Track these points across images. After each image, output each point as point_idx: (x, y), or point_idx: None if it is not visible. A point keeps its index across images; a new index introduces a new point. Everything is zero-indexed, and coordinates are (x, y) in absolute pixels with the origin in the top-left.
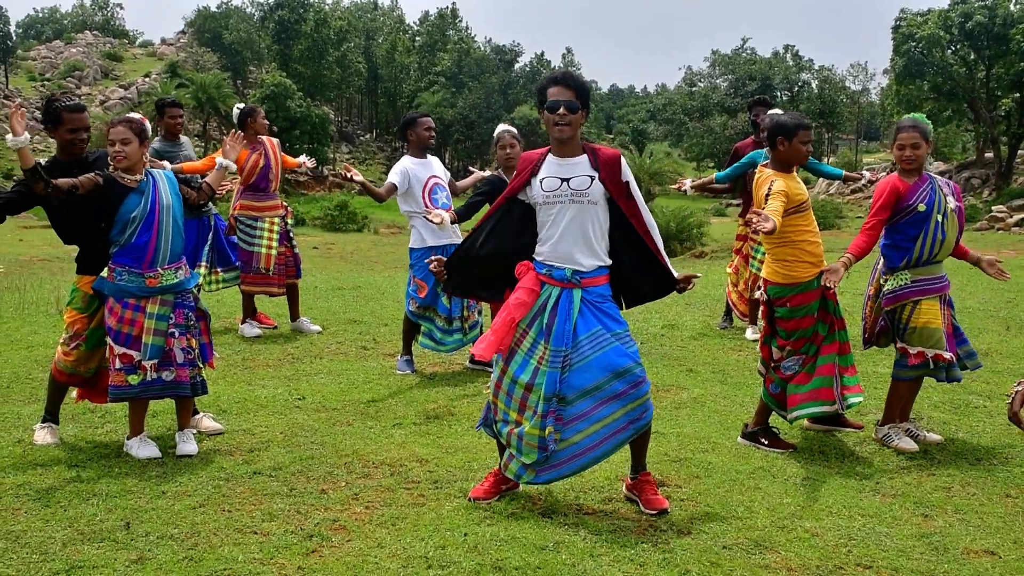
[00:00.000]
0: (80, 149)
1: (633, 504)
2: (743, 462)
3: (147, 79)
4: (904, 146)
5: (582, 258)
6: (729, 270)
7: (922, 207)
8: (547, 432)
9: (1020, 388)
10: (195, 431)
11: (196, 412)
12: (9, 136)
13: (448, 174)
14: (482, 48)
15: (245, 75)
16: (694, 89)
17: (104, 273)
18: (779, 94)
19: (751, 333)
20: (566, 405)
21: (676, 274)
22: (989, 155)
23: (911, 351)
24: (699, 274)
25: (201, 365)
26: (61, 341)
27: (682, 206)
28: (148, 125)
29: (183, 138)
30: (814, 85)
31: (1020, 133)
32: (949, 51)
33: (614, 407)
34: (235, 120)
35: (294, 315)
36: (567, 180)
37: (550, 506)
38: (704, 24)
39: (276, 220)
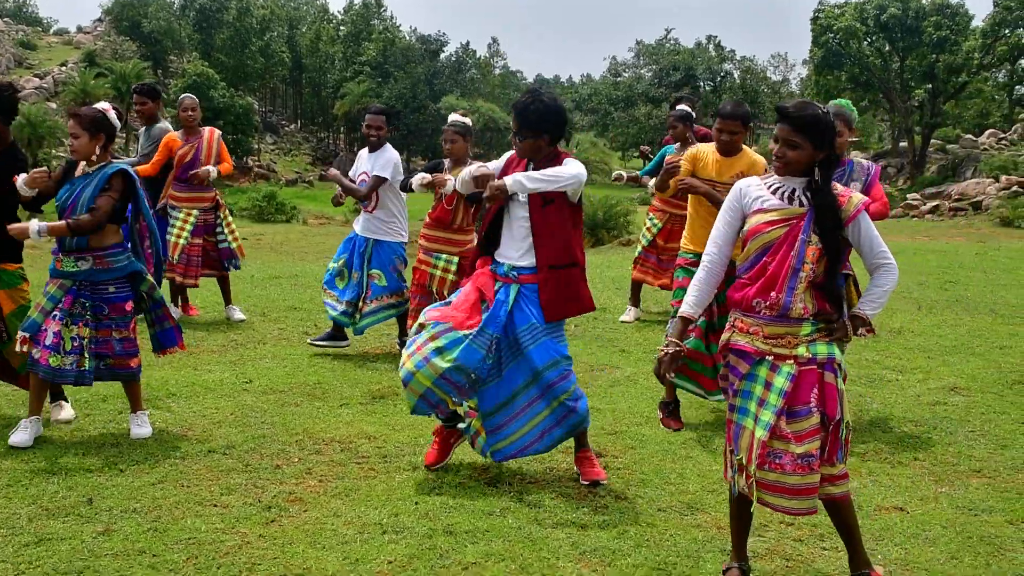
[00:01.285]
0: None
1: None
2: (675, 434)
3: (64, 68)
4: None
5: (519, 257)
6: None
7: None
8: (439, 392)
9: (667, 350)
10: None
11: (60, 398)
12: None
13: (382, 173)
14: (407, 38)
15: (166, 65)
16: (619, 79)
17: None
18: (702, 84)
19: (628, 316)
20: (508, 401)
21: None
22: (904, 144)
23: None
24: None
25: (87, 355)
26: None
27: (609, 195)
28: (111, 115)
29: (161, 124)
30: (736, 75)
31: (932, 123)
32: (865, 42)
33: (543, 405)
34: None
35: (227, 301)
36: None
37: (495, 476)
38: (628, 15)
39: (194, 212)
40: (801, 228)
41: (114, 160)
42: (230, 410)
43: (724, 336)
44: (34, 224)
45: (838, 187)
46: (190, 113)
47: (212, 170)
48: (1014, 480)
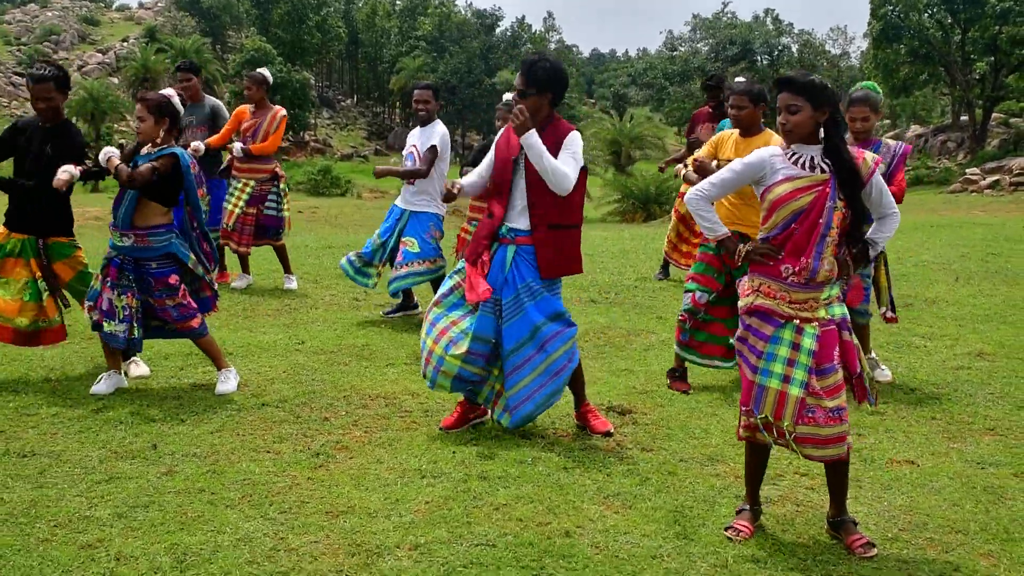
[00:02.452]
0: (46, 116)
1: (583, 431)
2: (703, 394)
3: (125, 44)
4: (855, 119)
5: (517, 218)
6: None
7: None
8: (471, 368)
9: (741, 248)
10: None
11: (130, 356)
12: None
13: (432, 142)
14: (463, 12)
15: (224, 40)
16: (675, 54)
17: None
18: (759, 58)
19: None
20: (506, 357)
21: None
22: (964, 118)
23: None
24: None
25: (135, 324)
26: None
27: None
28: (175, 100)
29: (208, 100)
30: (794, 49)
31: (994, 96)
32: (925, 15)
33: (537, 362)
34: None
35: (286, 268)
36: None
37: (527, 431)
38: None
39: (251, 182)
40: (827, 195)
41: (175, 144)
42: (283, 368)
43: (747, 299)
44: (107, 149)
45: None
46: (250, 91)
47: (199, 145)
48: None
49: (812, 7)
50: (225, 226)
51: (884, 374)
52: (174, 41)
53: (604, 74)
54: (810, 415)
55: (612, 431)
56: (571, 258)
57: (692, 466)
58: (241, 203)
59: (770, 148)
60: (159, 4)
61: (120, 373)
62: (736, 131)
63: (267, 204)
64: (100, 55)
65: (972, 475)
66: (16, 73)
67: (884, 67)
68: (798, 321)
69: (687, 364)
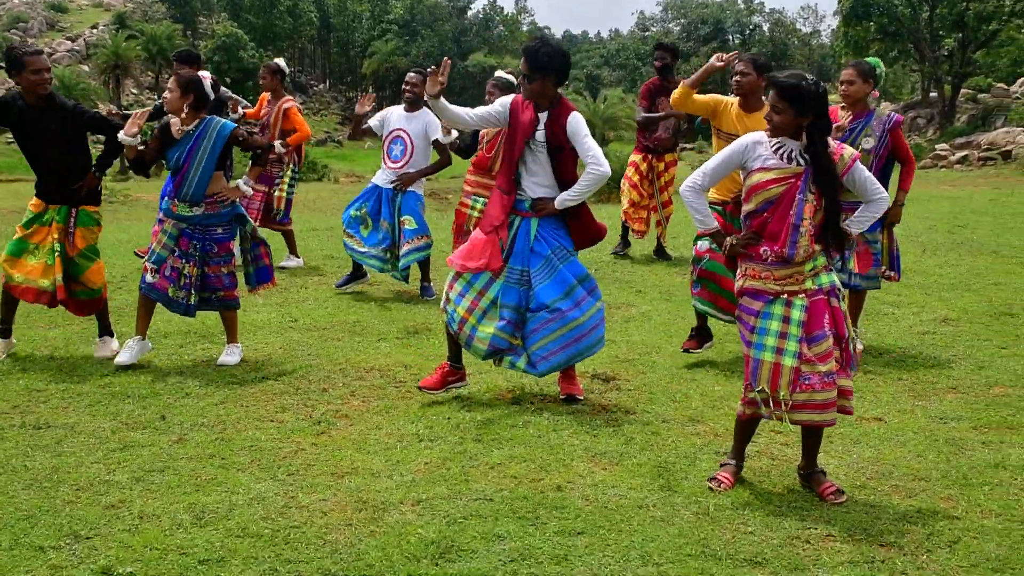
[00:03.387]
0: (44, 89)
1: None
2: (683, 360)
3: (95, 31)
4: (842, 82)
5: (540, 190)
6: (628, 187)
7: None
8: (504, 335)
9: (726, 241)
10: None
11: (108, 334)
12: (123, 133)
13: (428, 127)
14: None
15: (195, 26)
16: (647, 34)
17: None
18: (731, 37)
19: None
20: (535, 315)
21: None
22: (934, 95)
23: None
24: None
25: (193, 291)
26: None
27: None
28: (205, 82)
29: (284, 99)
30: (765, 28)
31: (962, 73)
32: None
33: (568, 319)
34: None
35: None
36: (537, 130)
37: (519, 396)
38: None
39: (273, 169)
40: (798, 187)
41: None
42: (279, 344)
43: (739, 283)
44: (242, 184)
45: (831, 144)
46: (263, 80)
47: (277, 144)
48: (986, 394)
49: None
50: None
51: (858, 344)
52: (145, 28)
53: (577, 55)
54: (806, 382)
55: (580, 399)
56: (597, 227)
57: (674, 427)
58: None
59: (755, 135)
60: None
61: (146, 339)
62: (736, 100)
63: (276, 184)
64: (69, 43)
65: (935, 429)
66: None
67: (854, 44)
68: (786, 295)
69: (708, 321)
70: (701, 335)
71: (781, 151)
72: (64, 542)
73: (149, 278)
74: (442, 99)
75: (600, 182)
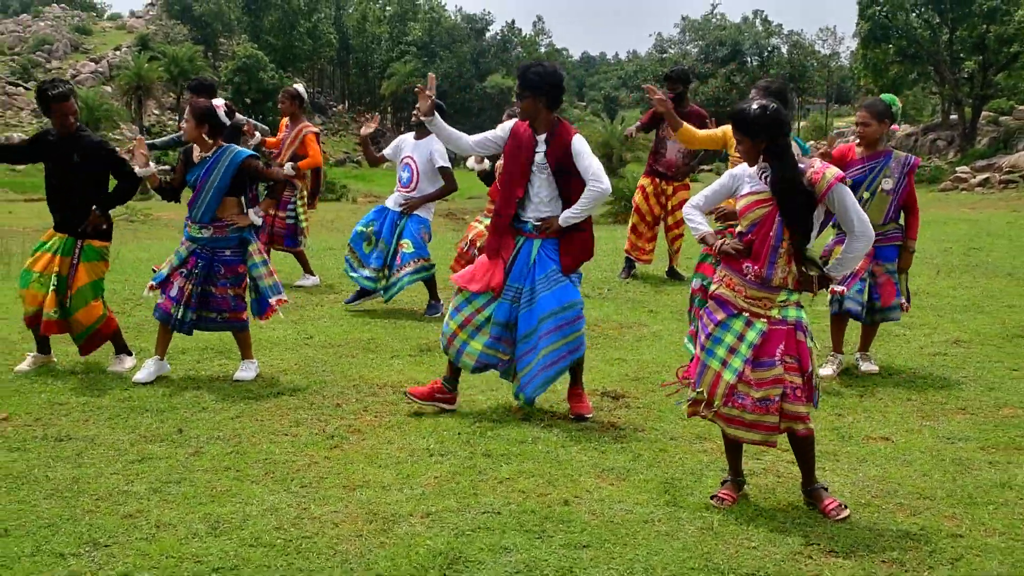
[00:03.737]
0: (70, 128)
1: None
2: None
3: (118, 52)
4: (857, 123)
5: (543, 211)
6: (636, 219)
7: (848, 181)
8: (493, 352)
9: (717, 242)
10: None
11: (125, 352)
12: (137, 168)
13: (433, 153)
14: (452, 17)
15: (216, 47)
16: (665, 56)
17: None
18: (749, 59)
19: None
20: (523, 338)
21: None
22: (954, 117)
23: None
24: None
25: (185, 309)
26: None
27: None
28: (218, 110)
29: (302, 122)
30: (784, 50)
31: (983, 95)
32: (913, 14)
33: (557, 336)
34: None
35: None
36: (536, 153)
37: (528, 413)
38: None
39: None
40: (779, 209)
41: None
42: (294, 361)
43: (714, 286)
44: (252, 215)
45: (815, 164)
46: (283, 104)
47: (288, 167)
48: (995, 415)
49: (801, 8)
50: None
51: (871, 367)
52: (166, 49)
53: (595, 77)
54: (739, 400)
55: (588, 417)
56: (589, 247)
57: (681, 444)
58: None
59: (744, 165)
60: (151, 13)
61: (163, 360)
62: None
63: (287, 212)
64: (93, 64)
65: (942, 449)
66: (10, 83)
67: (873, 67)
68: (748, 315)
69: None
70: None
71: (764, 176)
72: (84, 549)
73: (159, 300)
74: (437, 118)
75: (601, 199)
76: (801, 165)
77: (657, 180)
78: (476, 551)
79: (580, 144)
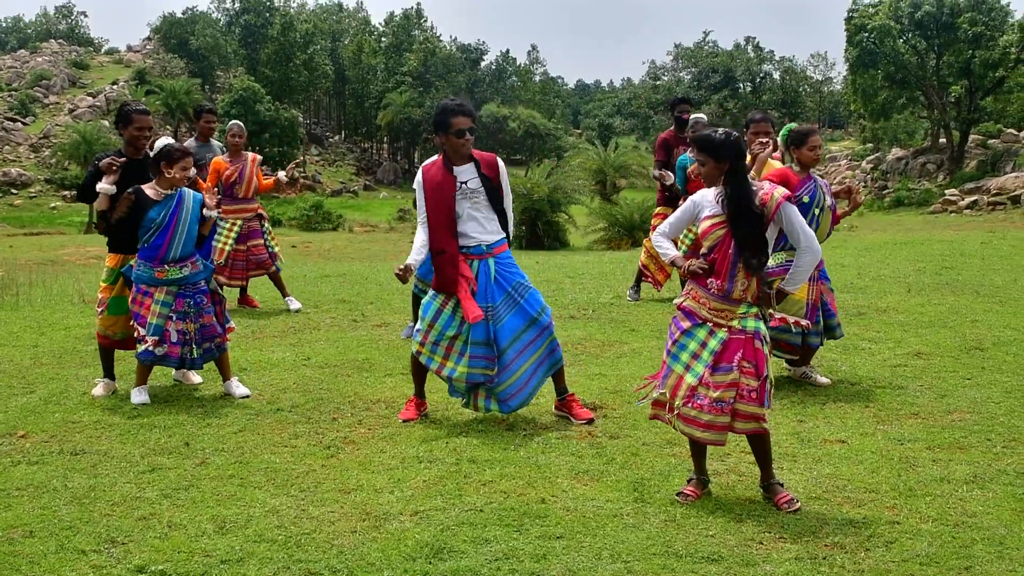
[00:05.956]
0: (143, 144)
1: (565, 420)
2: None
3: (115, 86)
4: (816, 147)
5: (487, 234)
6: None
7: (805, 199)
8: (478, 371)
9: (685, 263)
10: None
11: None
12: (104, 183)
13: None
14: (448, 47)
15: (213, 80)
16: (658, 83)
17: (132, 261)
18: (741, 86)
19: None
20: (502, 353)
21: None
22: (943, 141)
23: (775, 316)
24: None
25: (194, 346)
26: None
27: (647, 198)
28: (177, 150)
29: (213, 141)
30: (776, 76)
31: (970, 119)
32: (900, 40)
33: (538, 344)
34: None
35: (283, 293)
36: (465, 182)
37: (512, 424)
38: (666, 18)
39: (238, 222)
40: (730, 228)
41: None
42: (292, 380)
43: (681, 298)
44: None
45: (764, 186)
46: (237, 139)
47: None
48: (944, 420)
49: (792, 34)
50: (216, 263)
51: (823, 380)
52: (164, 83)
53: (589, 104)
54: (698, 401)
55: (594, 419)
56: None
57: (652, 448)
58: (231, 241)
59: (703, 192)
60: (147, 47)
61: (146, 388)
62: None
63: (256, 241)
64: (91, 98)
65: (891, 449)
66: (7, 118)
67: (863, 92)
68: (711, 325)
69: None
70: None
71: (721, 199)
72: (103, 547)
73: (157, 351)
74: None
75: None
76: (753, 187)
77: (671, 209)
78: (460, 543)
79: (502, 165)
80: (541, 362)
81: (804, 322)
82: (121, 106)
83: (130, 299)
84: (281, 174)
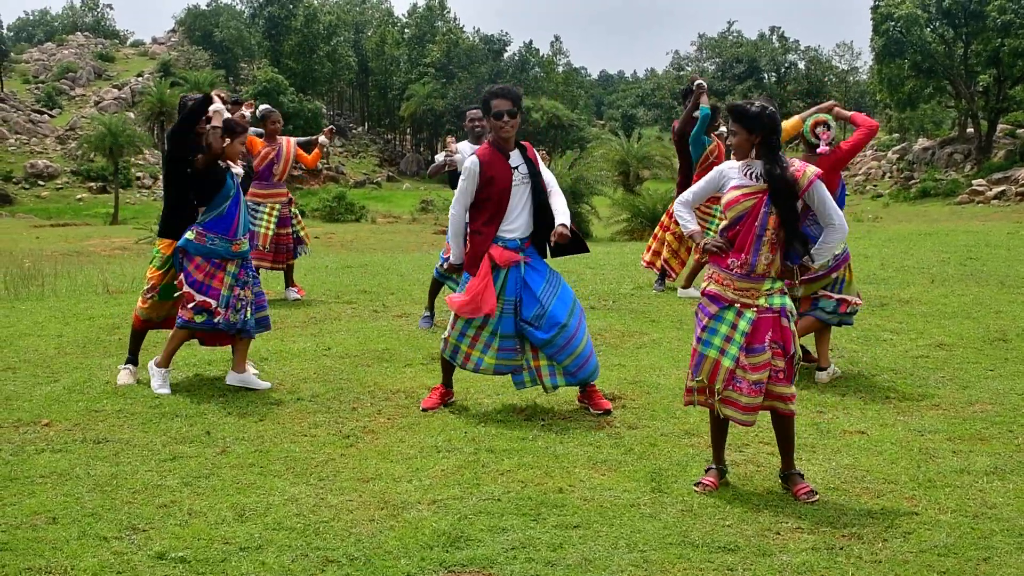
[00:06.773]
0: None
1: (583, 410)
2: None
3: (140, 79)
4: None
5: (524, 229)
6: (671, 237)
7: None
8: (505, 362)
9: (705, 240)
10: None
11: (131, 363)
12: (214, 105)
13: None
14: (471, 38)
15: (237, 72)
16: (682, 73)
17: (191, 236)
18: (766, 75)
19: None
20: (564, 326)
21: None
22: (970, 131)
23: (850, 299)
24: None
25: (249, 314)
26: (141, 293)
27: (669, 189)
28: (239, 124)
29: (280, 139)
30: (801, 66)
31: (999, 108)
32: (928, 29)
33: (584, 328)
34: (259, 117)
35: (288, 284)
36: (516, 167)
37: (531, 414)
38: (691, 8)
39: (276, 206)
40: (764, 201)
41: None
42: (313, 370)
43: (704, 284)
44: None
45: (795, 163)
46: (278, 125)
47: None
48: (965, 411)
49: (818, 24)
50: (261, 248)
51: (828, 373)
52: (188, 75)
53: (613, 95)
54: (737, 384)
55: (611, 410)
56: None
57: (671, 439)
58: (272, 226)
59: (729, 163)
60: (172, 39)
61: (168, 377)
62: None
63: (290, 228)
64: (116, 90)
65: (911, 440)
66: (34, 111)
67: (889, 82)
68: (739, 306)
69: None
70: None
71: (749, 172)
72: (124, 533)
73: (218, 319)
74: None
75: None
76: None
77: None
78: (477, 531)
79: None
80: (590, 355)
81: (858, 300)
82: (182, 98)
83: (201, 274)
84: (322, 137)
